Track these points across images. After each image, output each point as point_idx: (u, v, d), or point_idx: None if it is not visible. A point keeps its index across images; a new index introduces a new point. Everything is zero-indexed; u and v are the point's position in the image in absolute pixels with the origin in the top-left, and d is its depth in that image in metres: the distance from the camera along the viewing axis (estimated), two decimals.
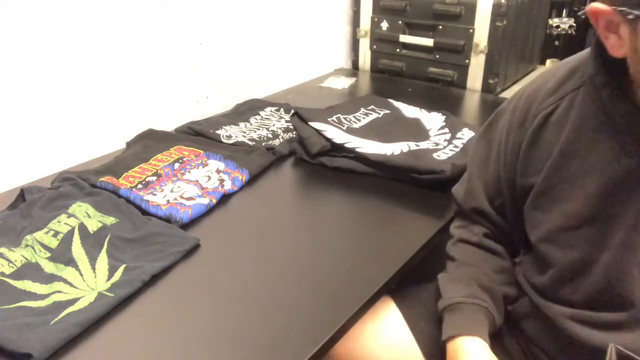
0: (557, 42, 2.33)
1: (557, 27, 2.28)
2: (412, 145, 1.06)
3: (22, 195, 0.89)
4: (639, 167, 0.59)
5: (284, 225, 0.90)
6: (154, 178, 0.98)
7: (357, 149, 1.02)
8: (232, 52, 1.40)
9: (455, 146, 1.06)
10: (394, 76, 1.68)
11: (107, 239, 0.79)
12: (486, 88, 1.51)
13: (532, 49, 1.73)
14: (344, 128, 1.12)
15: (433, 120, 1.20)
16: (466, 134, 1.11)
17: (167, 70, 1.24)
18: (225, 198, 0.95)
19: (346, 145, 1.03)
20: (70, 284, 0.71)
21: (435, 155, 1.01)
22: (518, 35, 1.57)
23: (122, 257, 0.76)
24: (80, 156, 1.10)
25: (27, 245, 0.77)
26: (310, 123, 1.08)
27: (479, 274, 0.75)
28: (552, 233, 0.67)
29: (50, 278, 0.72)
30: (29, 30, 0.97)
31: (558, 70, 0.69)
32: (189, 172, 1.00)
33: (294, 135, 1.16)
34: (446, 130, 1.15)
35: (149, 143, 1.11)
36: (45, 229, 0.80)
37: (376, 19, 1.65)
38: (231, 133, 1.18)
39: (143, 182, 0.97)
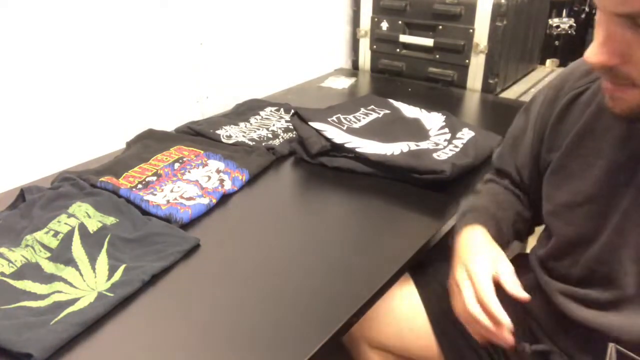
0: (557, 42, 2.33)
1: (557, 27, 2.28)
2: (412, 145, 1.06)
3: (22, 195, 0.89)
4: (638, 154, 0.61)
5: (284, 225, 0.90)
6: (154, 178, 0.98)
7: (357, 149, 1.02)
8: (232, 52, 1.40)
9: (455, 146, 1.06)
10: (394, 76, 1.68)
11: (107, 239, 0.79)
12: (486, 88, 1.51)
13: (532, 49, 1.73)
14: (344, 128, 1.12)
15: (433, 120, 1.20)
16: (466, 134, 1.11)
17: (167, 70, 1.24)
18: (225, 198, 0.95)
19: (346, 145, 1.03)
20: (70, 284, 0.71)
21: (435, 155, 1.01)
22: (518, 35, 1.57)
23: (122, 257, 0.76)
24: (80, 156, 1.10)
25: (27, 245, 0.77)
26: (310, 123, 1.08)
27: (496, 201, 0.81)
28: (559, 207, 0.71)
29: (50, 278, 0.72)
30: (29, 30, 0.97)
31: None
32: (189, 172, 1.00)
33: (294, 135, 1.16)
34: (446, 130, 1.15)
35: (149, 143, 1.11)
36: (45, 229, 0.80)
37: (376, 19, 1.65)
38: (231, 133, 1.18)
39: (143, 182, 0.97)
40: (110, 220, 0.84)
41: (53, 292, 0.69)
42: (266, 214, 0.92)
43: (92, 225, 0.81)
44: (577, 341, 0.71)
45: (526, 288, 0.80)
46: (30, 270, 0.73)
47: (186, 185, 0.95)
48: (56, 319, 0.64)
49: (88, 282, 0.71)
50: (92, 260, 0.75)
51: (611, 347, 0.61)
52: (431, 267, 0.91)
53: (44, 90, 1.02)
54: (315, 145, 1.04)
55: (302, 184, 1.05)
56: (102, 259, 0.76)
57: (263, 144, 1.13)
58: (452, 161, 0.96)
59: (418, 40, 1.58)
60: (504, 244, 0.76)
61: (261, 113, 1.31)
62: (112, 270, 0.73)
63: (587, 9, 2.53)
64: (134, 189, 0.94)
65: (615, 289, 0.64)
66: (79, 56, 1.06)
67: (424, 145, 1.07)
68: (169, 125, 1.23)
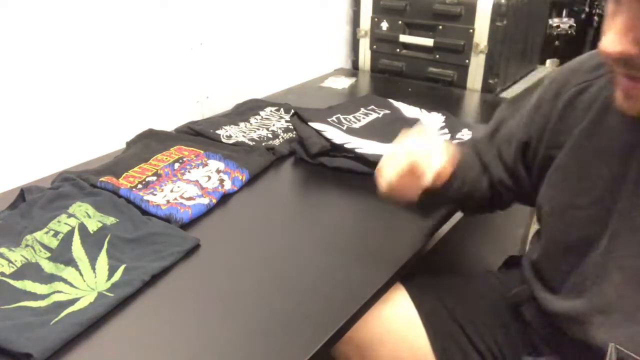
0: (557, 42, 2.33)
1: (557, 27, 2.29)
2: None
3: (22, 195, 0.89)
4: None
5: (284, 225, 0.90)
6: (154, 178, 0.98)
7: (356, 150, 1.02)
8: (232, 52, 1.40)
9: None
10: (394, 76, 1.68)
11: (107, 239, 0.79)
12: (486, 88, 1.51)
13: (532, 49, 1.73)
14: (344, 128, 1.12)
15: (433, 120, 1.20)
16: (465, 135, 1.11)
17: (167, 70, 1.24)
18: (225, 198, 0.95)
19: (346, 145, 1.03)
20: (70, 284, 0.71)
21: None
22: (518, 35, 1.56)
23: (122, 257, 0.76)
24: (80, 156, 1.10)
25: (27, 245, 0.77)
26: (309, 123, 1.08)
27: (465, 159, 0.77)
28: (559, 208, 0.68)
29: (50, 278, 0.72)
30: (29, 30, 0.97)
31: None
32: (189, 172, 1.00)
33: (294, 135, 1.16)
34: (446, 130, 1.15)
35: (149, 143, 1.11)
36: (45, 229, 0.80)
37: (376, 19, 1.65)
38: (231, 133, 1.18)
39: (143, 182, 0.97)
40: (110, 220, 0.84)
41: (53, 292, 0.69)
42: (266, 214, 0.92)
43: (92, 225, 0.81)
44: (575, 354, 0.69)
45: (522, 300, 0.79)
46: (30, 270, 0.73)
47: (186, 185, 0.95)
48: (56, 319, 0.64)
49: (88, 282, 0.71)
50: (92, 260, 0.75)
51: (611, 347, 0.61)
52: (427, 279, 0.88)
53: (43, 90, 1.02)
54: (315, 146, 1.04)
55: (302, 184, 1.05)
56: (102, 259, 0.76)
57: (263, 144, 1.13)
58: None
59: (418, 40, 1.58)
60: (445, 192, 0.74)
61: (261, 113, 1.31)
62: (112, 270, 0.73)
63: (587, 9, 2.53)
64: (134, 189, 0.94)
65: (602, 298, 0.63)
66: (79, 56, 1.06)
67: None
68: (169, 125, 1.23)
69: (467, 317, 0.83)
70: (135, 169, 1.01)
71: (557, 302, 0.69)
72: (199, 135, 1.17)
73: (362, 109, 1.25)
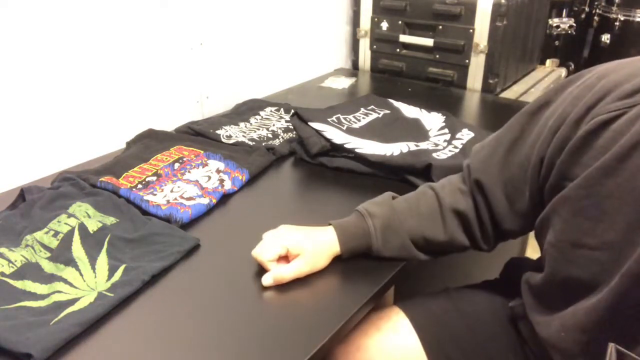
0: (557, 42, 2.33)
1: (557, 27, 2.29)
2: (412, 146, 1.06)
3: (22, 195, 0.89)
4: None
5: None
6: (154, 178, 0.98)
7: (356, 150, 1.02)
8: (232, 52, 1.40)
9: (455, 147, 1.06)
10: (394, 76, 1.68)
11: (107, 239, 0.79)
12: (486, 88, 1.51)
13: (532, 49, 1.73)
14: (344, 128, 1.12)
15: (433, 120, 1.20)
16: (465, 135, 1.11)
17: (167, 70, 1.24)
18: (225, 198, 0.95)
19: (346, 145, 1.03)
20: (70, 284, 0.71)
21: (435, 155, 1.01)
22: (518, 35, 1.57)
23: (122, 257, 0.76)
24: (80, 156, 1.10)
25: (27, 245, 0.77)
26: (309, 123, 1.08)
27: (412, 223, 0.77)
28: (564, 243, 0.62)
29: (50, 278, 0.72)
30: (29, 30, 0.97)
31: None
32: (189, 172, 1.00)
33: (294, 135, 1.16)
34: (446, 130, 1.15)
35: (149, 143, 1.11)
36: (45, 229, 0.80)
37: (376, 19, 1.65)
38: (231, 133, 1.18)
39: (143, 182, 0.97)
40: (110, 220, 0.84)
41: (53, 292, 0.69)
42: (266, 214, 0.92)
43: (92, 225, 0.81)
44: None
45: (519, 315, 0.77)
46: (30, 270, 0.73)
47: (186, 185, 0.95)
48: (56, 319, 0.64)
49: (88, 282, 0.71)
50: (92, 260, 0.75)
51: (611, 347, 0.61)
52: (424, 300, 0.85)
53: (44, 90, 1.02)
54: (315, 145, 1.04)
55: (302, 184, 1.05)
56: (102, 259, 0.76)
57: (263, 144, 1.13)
58: (444, 162, 0.96)
59: (418, 40, 1.58)
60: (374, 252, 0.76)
61: (261, 113, 1.31)
62: (112, 270, 0.73)
63: (587, 9, 2.53)
64: (134, 189, 0.94)
65: (595, 343, 0.60)
66: (79, 56, 1.06)
67: (423, 145, 1.07)
68: (169, 125, 1.23)
69: (469, 341, 0.80)
70: (135, 169, 1.01)
71: (549, 331, 0.67)
72: (199, 135, 1.17)
73: (362, 109, 1.25)
